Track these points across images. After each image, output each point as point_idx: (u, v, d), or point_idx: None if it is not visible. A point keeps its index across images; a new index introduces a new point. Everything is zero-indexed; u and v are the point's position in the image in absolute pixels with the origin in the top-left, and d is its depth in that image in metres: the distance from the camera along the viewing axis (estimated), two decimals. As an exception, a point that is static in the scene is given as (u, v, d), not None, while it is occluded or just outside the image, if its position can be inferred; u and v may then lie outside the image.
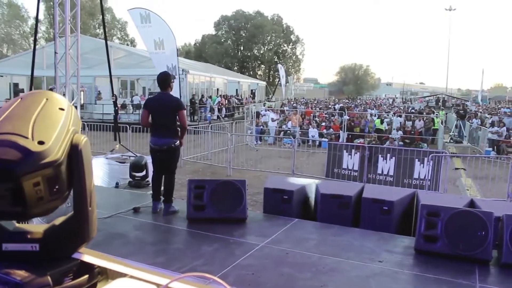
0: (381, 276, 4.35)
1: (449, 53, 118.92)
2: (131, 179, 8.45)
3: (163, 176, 6.25)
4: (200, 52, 61.68)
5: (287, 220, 5.88)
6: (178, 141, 6.16)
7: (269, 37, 65.25)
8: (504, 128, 19.27)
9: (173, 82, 6.30)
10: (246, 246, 5.00)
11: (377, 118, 21.53)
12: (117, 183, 8.62)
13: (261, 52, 66.20)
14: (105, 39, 11.18)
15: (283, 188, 6.16)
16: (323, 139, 18.42)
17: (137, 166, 8.41)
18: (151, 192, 6.46)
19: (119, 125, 11.73)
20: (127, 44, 54.02)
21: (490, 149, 17.55)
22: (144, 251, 4.87)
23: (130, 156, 9.64)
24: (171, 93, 6.39)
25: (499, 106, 45.06)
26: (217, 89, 35.21)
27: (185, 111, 6.31)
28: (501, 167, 11.38)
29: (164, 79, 6.15)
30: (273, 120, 21.27)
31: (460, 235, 4.65)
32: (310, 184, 6.70)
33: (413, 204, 6.20)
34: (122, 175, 8.91)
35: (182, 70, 22.61)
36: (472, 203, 5.84)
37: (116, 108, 11.26)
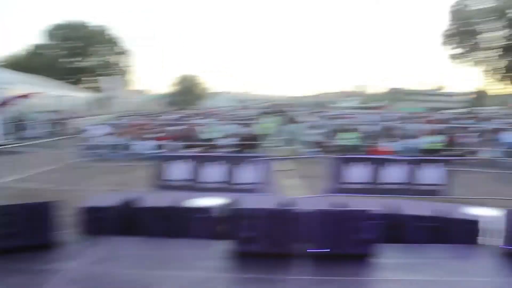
0: (203, 283, 4.34)
1: (277, 63, 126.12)
2: None
3: None
4: (27, 64, 57.06)
5: (105, 239, 5.60)
6: None
7: (97, 48, 62.97)
8: (325, 129, 20.97)
9: None
10: (56, 272, 4.66)
11: (210, 126, 21.90)
12: None
13: (91, 64, 63.60)
14: None
15: (100, 205, 5.88)
16: (154, 151, 18.15)
17: None
18: None
19: None
20: None
21: (316, 149, 18.90)
22: None
23: None
24: None
25: (321, 110, 48.97)
26: (44, 104, 32.76)
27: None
28: (324, 165, 12.15)
29: None
30: (102, 135, 20.38)
31: (276, 234, 4.86)
32: (131, 198, 6.47)
33: (236, 209, 6.33)
34: None
35: (4, 84, 20.68)
36: (288, 202, 6.15)
37: None
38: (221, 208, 6.00)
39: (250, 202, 6.24)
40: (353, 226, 4.91)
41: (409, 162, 11.62)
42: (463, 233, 5.61)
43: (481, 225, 5.66)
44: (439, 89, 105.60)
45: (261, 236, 4.88)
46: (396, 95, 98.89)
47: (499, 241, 5.30)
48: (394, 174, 11.64)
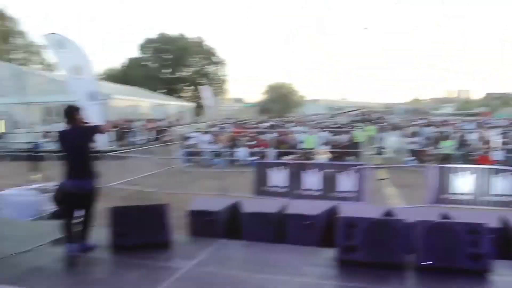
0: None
1: (368, 69, 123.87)
2: (51, 210, 8.13)
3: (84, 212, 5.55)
4: (126, 76, 60.60)
5: (213, 241, 5.86)
6: (93, 183, 5.52)
7: (193, 59, 65.42)
8: (421, 137, 20.34)
9: (78, 113, 5.59)
10: (171, 270, 4.94)
11: (305, 134, 22.00)
12: (37, 215, 8.26)
13: (187, 74, 66.20)
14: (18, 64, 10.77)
15: (208, 209, 6.15)
16: (252, 157, 18.57)
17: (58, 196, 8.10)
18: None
19: (40, 154, 11.25)
20: (47, 70, 52.22)
21: (412, 158, 18.37)
22: (64, 285, 4.69)
23: (50, 187, 9.27)
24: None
25: (416, 117, 47.47)
26: (143, 113, 34.77)
27: (101, 131, 5.75)
28: (422, 175, 11.86)
29: (66, 112, 5.55)
30: (205, 142, 21.13)
31: (377, 243, 4.84)
32: (236, 203, 6.71)
33: (339, 217, 6.37)
34: (43, 206, 8.56)
35: (105, 94, 22.14)
36: (389, 212, 6.10)
37: (36, 137, 10.82)
38: (323, 215, 6.06)
39: (350, 210, 6.25)
40: (467, 240, 4.74)
41: (518, 172, 10.99)
42: None
43: None
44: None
45: (364, 245, 4.87)
46: (496, 100, 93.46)
47: None
48: (500, 184, 11.08)
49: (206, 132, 23.26)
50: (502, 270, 4.86)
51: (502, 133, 22.22)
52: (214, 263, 5.10)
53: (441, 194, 11.21)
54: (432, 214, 6.09)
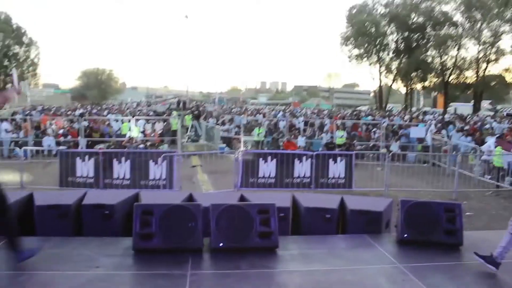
0: (96, 281, 4.25)
1: (190, 58, 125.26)
2: None
3: None
4: None
5: (-2, 239, 5.30)
6: None
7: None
8: (233, 125, 21.23)
9: None
10: None
11: (119, 122, 21.41)
12: None
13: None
14: None
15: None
16: (60, 147, 17.44)
17: None
18: None
19: None
20: None
21: (224, 145, 19.06)
22: None
23: None
24: None
25: (232, 106, 49.56)
26: None
27: None
28: (233, 161, 12.32)
29: None
30: (7, 131, 19.14)
31: (173, 228, 4.88)
32: (28, 196, 6.17)
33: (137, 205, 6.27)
34: None
35: None
36: (190, 197, 6.20)
37: None
38: (123, 204, 5.90)
39: (150, 197, 6.23)
40: (257, 219, 5.02)
41: (316, 156, 12.11)
42: (362, 223, 5.90)
43: (379, 216, 5.97)
44: (351, 86, 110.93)
45: (160, 232, 4.86)
46: (304, 92, 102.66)
47: (396, 231, 5.63)
48: (301, 168, 12.09)
49: (6, 120, 21.10)
50: (289, 245, 5.29)
51: (305, 121, 24.38)
52: (-4, 264, 4.61)
53: (248, 179, 11.84)
54: (231, 198, 6.36)
